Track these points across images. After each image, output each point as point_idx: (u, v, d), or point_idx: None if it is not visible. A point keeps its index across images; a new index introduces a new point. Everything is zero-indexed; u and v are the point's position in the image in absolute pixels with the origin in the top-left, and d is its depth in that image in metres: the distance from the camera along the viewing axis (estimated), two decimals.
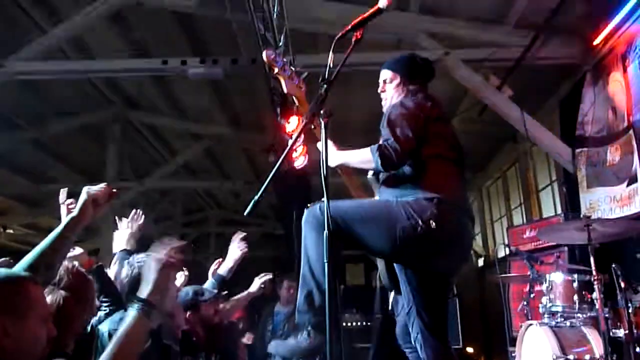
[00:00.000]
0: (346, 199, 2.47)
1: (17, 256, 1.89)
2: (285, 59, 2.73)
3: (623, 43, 4.72)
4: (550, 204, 7.14)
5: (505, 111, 5.66)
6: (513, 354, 4.15)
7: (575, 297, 3.62)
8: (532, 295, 4.27)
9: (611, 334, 3.28)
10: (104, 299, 2.68)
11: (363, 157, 2.39)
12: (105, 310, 2.63)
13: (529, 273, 4.20)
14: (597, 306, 3.32)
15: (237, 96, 7.52)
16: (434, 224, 2.22)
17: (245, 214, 1.80)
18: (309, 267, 2.33)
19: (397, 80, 2.64)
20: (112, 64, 6.30)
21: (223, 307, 3.72)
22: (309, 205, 2.43)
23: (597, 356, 3.34)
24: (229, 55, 5.64)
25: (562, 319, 3.68)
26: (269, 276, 4.28)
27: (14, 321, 1.49)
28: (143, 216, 3.27)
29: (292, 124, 4.78)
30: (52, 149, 8.97)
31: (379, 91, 2.72)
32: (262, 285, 4.24)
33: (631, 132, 4.53)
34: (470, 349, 7.83)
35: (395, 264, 2.41)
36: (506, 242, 5.92)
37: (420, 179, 2.35)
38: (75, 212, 1.91)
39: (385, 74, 2.69)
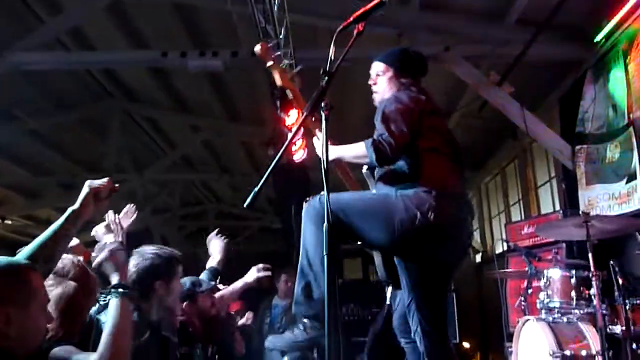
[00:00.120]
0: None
1: (17, 248, 1.90)
2: (280, 52, 2.73)
3: (624, 40, 4.71)
4: (548, 201, 7.14)
5: (505, 107, 5.65)
6: (510, 349, 4.16)
7: (573, 293, 3.63)
8: (529, 291, 4.28)
9: (608, 330, 3.29)
10: (101, 290, 2.69)
11: (357, 152, 2.39)
12: (104, 300, 2.64)
13: (526, 269, 4.21)
14: (594, 302, 3.33)
15: (237, 89, 7.50)
16: (432, 215, 2.22)
17: (244, 206, 1.81)
18: (307, 259, 2.33)
19: (390, 73, 2.65)
20: (112, 55, 6.29)
21: (219, 296, 3.71)
22: (307, 198, 2.43)
23: (594, 352, 3.35)
24: (229, 47, 5.61)
25: (560, 315, 3.69)
26: (268, 273, 4.07)
27: (17, 310, 1.53)
28: (135, 213, 3.21)
29: (292, 117, 4.78)
30: (51, 141, 8.95)
31: (369, 83, 2.72)
32: (260, 275, 4.01)
33: (631, 129, 4.52)
34: (466, 344, 7.86)
35: (395, 258, 2.41)
36: (504, 238, 5.93)
37: (417, 172, 2.35)
38: (76, 205, 1.92)
39: (377, 67, 2.69)
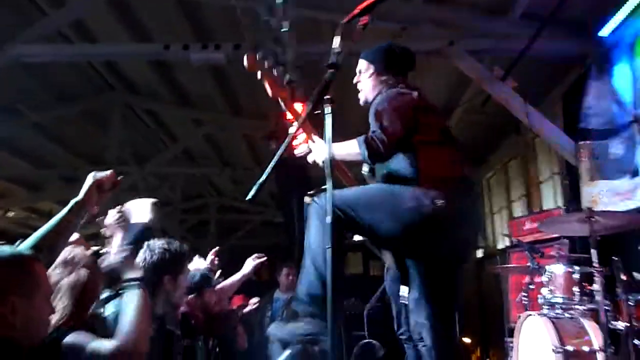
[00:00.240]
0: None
1: (20, 240, 1.90)
2: (270, 62, 2.72)
3: (629, 35, 4.68)
4: (551, 197, 7.13)
5: (509, 102, 5.62)
6: (510, 345, 4.16)
7: (576, 289, 3.62)
8: (531, 287, 4.27)
9: (610, 326, 3.29)
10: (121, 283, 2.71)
11: (350, 149, 2.37)
12: (107, 293, 2.64)
13: (528, 264, 4.20)
14: (597, 298, 3.32)
15: (239, 82, 7.47)
16: (439, 203, 2.21)
17: (247, 198, 1.80)
18: (311, 255, 2.32)
19: (371, 70, 2.65)
20: (114, 48, 6.27)
21: (219, 289, 3.72)
22: (309, 193, 2.42)
23: (596, 348, 3.34)
24: (231, 41, 5.59)
25: (562, 311, 3.68)
26: (263, 259, 4.07)
27: (22, 300, 1.53)
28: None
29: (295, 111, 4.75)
30: (52, 134, 8.94)
31: (354, 81, 2.71)
32: (255, 263, 4.02)
33: (635, 125, 4.51)
34: (467, 340, 7.87)
35: (404, 252, 2.41)
36: (506, 233, 5.92)
37: (417, 165, 2.34)
38: (80, 196, 1.92)
39: (361, 64, 2.70)
